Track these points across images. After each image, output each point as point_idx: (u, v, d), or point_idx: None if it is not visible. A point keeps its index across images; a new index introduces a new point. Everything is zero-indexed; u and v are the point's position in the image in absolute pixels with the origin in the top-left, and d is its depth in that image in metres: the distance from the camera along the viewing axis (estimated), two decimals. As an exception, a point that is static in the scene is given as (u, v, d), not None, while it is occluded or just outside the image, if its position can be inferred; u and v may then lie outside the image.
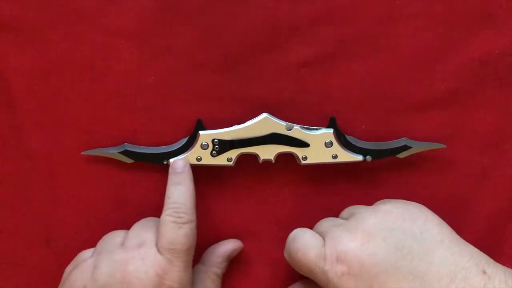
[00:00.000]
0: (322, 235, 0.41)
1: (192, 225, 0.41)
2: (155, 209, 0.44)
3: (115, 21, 0.45)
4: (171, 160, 0.44)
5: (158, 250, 0.40)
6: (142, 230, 0.42)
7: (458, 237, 0.40)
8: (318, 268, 0.39)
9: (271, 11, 0.46)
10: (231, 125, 0.45)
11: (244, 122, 0.44)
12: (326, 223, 0.42)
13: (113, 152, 0.45)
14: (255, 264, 0.47)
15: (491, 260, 0.39)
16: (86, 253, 0.43)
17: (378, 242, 0.38)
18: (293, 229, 0.45)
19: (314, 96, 0.46)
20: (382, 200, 0.43)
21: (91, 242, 0.44)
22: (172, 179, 0.43)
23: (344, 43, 0.46)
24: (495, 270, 0.38)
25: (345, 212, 0.44)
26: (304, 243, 0.40)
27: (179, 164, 0.44)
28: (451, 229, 0.40)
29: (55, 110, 0.45)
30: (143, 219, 0.44)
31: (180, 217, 0.41)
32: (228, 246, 0.46)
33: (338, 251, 0.38)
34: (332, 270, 0.38)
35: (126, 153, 0.45)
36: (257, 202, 0.47)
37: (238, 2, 0.45)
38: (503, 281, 0.37)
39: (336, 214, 0.46)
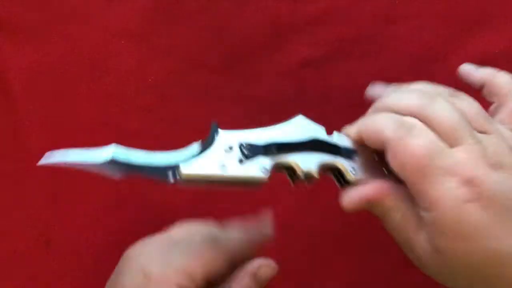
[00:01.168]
0: (453, 139, 0.32)
1: None
2: (156, 209, 0.44)
3: (115, 21, 0.45)
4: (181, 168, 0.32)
5: None
6: None
7: None
8: (431, 173, 0.32)
9: (271, 11, 0.46)
10: (231, 126, 0.44)
11: (244, 122, 0.44)
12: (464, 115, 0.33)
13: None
14: (255, 264, 0.47)
15: None
16: None
17: None
18: (293, 229, 0.45)
19: (314, 96, 0.46)
20: None
21: (91, 242, 0.44)
22: None
23: (344, 43, 0.46)
24: None
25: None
26: (429, 146, 0.32)
27: None
28: None
29: (55, 110, 0.45)
30: None
31: None
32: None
33: (472, 175, 0.31)
34: (457, 191, 0.31)
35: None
36: (257, 202, 0.47)
37: (238, 2, 0.45)
38: None
39: (336, 213, 0.46)
